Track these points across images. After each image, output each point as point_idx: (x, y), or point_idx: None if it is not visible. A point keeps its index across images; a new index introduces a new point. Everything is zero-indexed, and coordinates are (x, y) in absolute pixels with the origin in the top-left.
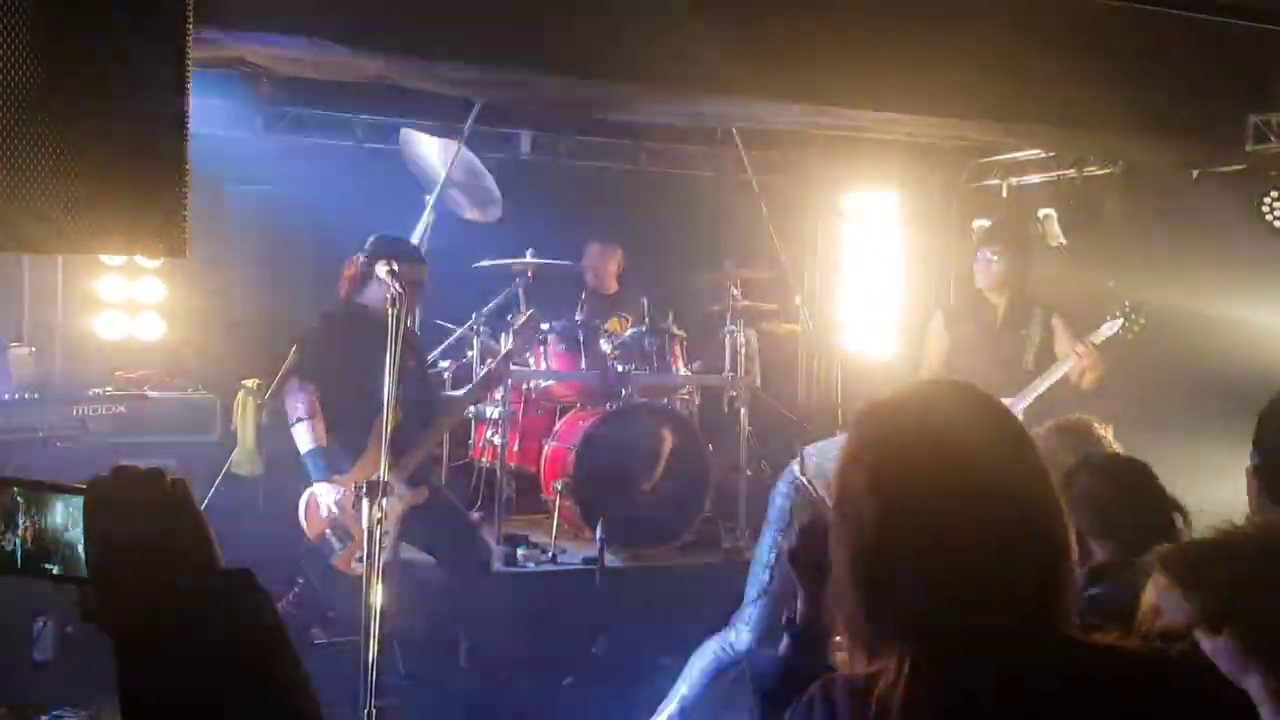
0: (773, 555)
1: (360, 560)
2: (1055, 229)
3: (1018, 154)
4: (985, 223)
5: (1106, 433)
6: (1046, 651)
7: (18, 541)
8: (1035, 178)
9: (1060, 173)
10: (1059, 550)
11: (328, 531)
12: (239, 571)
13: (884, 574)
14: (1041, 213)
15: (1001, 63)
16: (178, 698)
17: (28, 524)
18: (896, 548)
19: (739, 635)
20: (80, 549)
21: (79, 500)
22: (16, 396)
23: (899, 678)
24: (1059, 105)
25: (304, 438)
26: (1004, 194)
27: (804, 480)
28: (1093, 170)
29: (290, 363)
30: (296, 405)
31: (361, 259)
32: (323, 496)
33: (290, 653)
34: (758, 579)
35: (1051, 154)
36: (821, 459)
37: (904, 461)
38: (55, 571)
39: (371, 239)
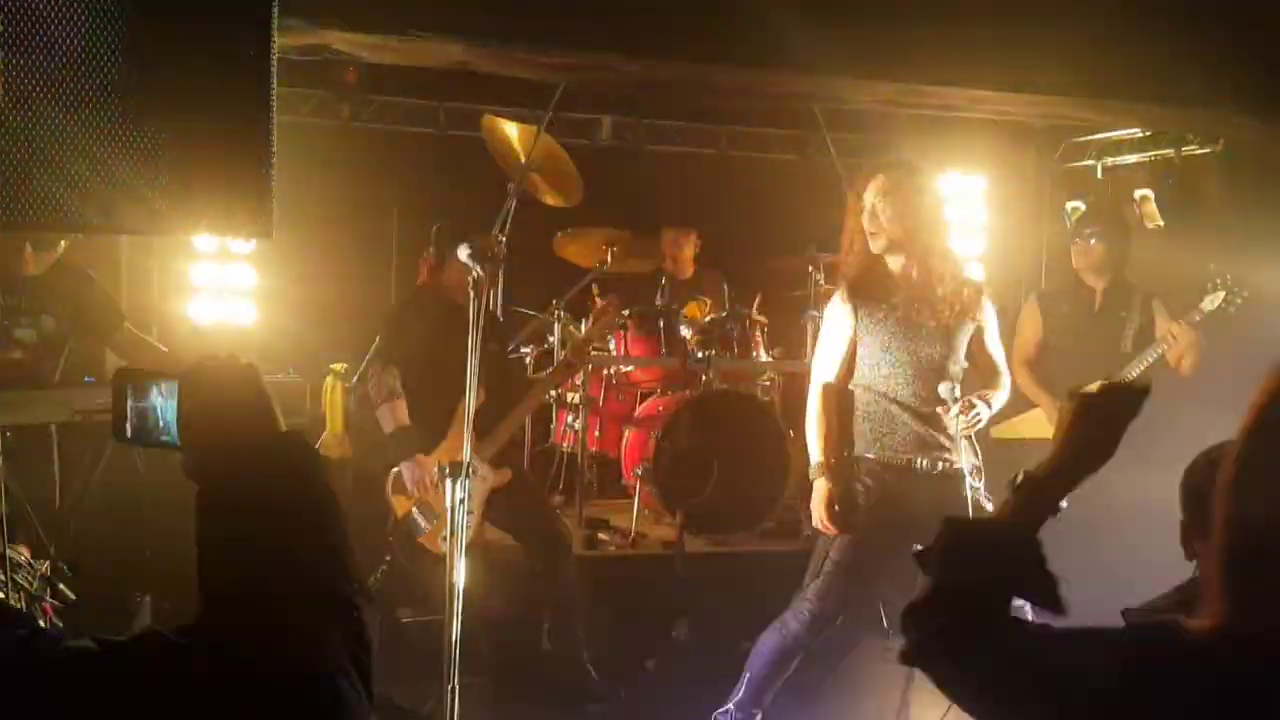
0: None
1: (445, 539)
2: (1153, 210)
3: (1113, 133)
4: (1079, 204)
5: None
6: None
7: (126, 419)
8: (1131, 158)
9: (1158, 152)
10: None
11: (414, 509)
12: (294, 432)
13: None
14: (1138, 194)
15: (1097, 37)
16: (247, 536)
17: (136, 405)
18: None
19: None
20: (173, 421)
21: (173, 384)
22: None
23: None
24: (1158, 82)
25: (388, 419)
26: (1099, 175)
27: None
28: (1192, 150)
29: (375, 347)
30: (381, 388)
31: (441, 243)
32: (408, 474)
33: (335, 507)
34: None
35: (1149, 133)
36: None
37: None
38: (160, 440)
39: (448, 223)
